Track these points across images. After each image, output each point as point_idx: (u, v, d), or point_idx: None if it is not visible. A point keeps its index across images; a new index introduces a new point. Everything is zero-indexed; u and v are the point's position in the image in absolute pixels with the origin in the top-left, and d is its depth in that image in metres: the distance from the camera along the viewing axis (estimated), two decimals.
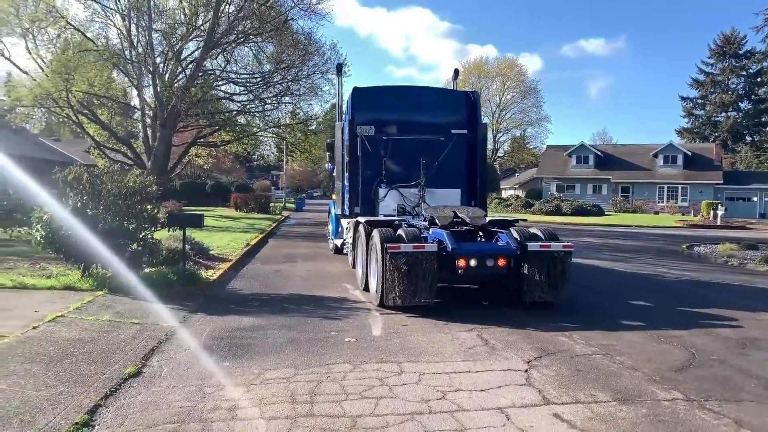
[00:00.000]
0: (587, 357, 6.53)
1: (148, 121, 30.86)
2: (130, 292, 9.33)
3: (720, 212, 39.64)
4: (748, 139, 75.19)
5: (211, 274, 11.83)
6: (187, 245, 11.85)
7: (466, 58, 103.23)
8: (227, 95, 33.45)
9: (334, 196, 15.08)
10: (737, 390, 5.53)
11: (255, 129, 35.65)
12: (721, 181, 51.68)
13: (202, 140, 36.22)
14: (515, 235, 8.97)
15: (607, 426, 4.61)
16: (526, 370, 5.98)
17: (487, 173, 12.99)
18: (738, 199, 51.87)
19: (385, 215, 11.44)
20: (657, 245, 22.34)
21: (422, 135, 11.99)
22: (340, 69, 14.41)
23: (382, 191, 11.98)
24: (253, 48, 31.76)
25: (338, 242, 14.68)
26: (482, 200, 12.29)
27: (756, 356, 6.74)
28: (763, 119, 74.30)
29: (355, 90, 12.22)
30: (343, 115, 13.21)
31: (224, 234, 20.79)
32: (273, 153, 51.56)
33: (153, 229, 10.89)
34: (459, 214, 9.77)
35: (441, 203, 11.02)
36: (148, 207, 10.80)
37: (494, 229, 9.62)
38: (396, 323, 7.94)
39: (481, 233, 9.61)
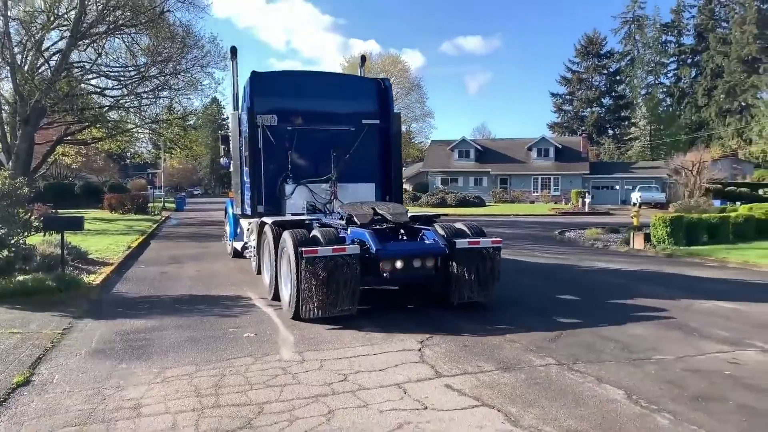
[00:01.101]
0: (473, 334, 7.11)
1: (5, 117, 28.24)
2: (5, 301, 8.80)
3: (587, 200, 43.52)
4: (611, 132, 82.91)
5: (94, 278, 11.28)
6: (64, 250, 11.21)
7: (350, 53, 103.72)
8: (99, 89, 31.41)
9: (231, 194, 14.01)
10: (599, 353, 6.33)
11: (130, 125, 33.79)
12: (588, 172, 56.53)
13: (69, 138, 33.73)
14: (441, 231, 8.29)
15: (492, 391, 5.14)
16: (420, 350, 6.43)
17: (401, 166, 12.26)
18: (603, 187, 56.91)
19: (293, 214, 10.47)
20: (533, 232, 24.09)
21: (331, 125, 11.20)
22: (234, 52, 12.56)
23: (288, 188, 10.87)
24: (126, 40, 30.07)
25: (238, 245, 13.53)
26: (398, 195, 11.53)
27: (613, 323, 7.68)
28: (623, 114, 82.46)
29: (254, 75, 11.05)
30: (240, 104, 11.94)
31: (102, 237, 19.67)
32: (149, 150, 49.03)
33: (26, 234, 10.23)
34: (379, 211, 8.84)
35: (354, 199, 10.20)
36: (20, 210, 10.13)
37: (417, 226, 8.88)
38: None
39: (402, 231, 8.69)
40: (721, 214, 18.74)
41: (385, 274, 7.82)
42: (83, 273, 11.69)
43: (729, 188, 47.29)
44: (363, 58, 15.13)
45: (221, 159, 15.87)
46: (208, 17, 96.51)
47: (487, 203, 50.03)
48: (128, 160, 68.74)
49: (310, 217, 9.69)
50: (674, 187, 47.80)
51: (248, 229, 11.76)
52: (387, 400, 4.93)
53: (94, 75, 30.37)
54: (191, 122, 38.80)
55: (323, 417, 4.58)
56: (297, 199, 10.86)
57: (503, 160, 59.97)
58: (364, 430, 4.34)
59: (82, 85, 30.01)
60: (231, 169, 13.37)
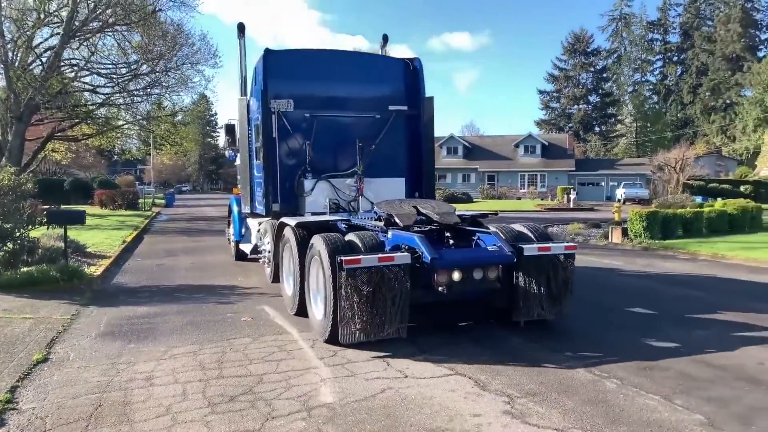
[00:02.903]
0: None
1: None
2: (12, 290, 9.30)
3: (573, 196, 44.44)
4: (597, 129, 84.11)
5: (94, 270, 11.81)
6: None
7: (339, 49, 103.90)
8: (91, 87, 31.76)
9: (236, 191, 12.81)
10: (572, 335, 6.97)
11: (122, 122, 34.18)
12: (574, 168, 57.53)
13: (60, 134, 34.05)
14: (502, 235, 6.99)
15: (464, 359, 5.84)
16: (412, 330, 7.00)
17: (433, 159, 10.91)
18: (588, 184, 57.88)
19: (313, 213, 9.25)
20: None
21: (354, 112, 10.09)
22: (242, 29, 10.97)
23: (308, 183, 9.55)
24: (117, 38, 30.44)
25: (245, 248, 12.16)
26: (429, 192, 10.35)
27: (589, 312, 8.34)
28: (609, 111, 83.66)
29: (268, 53, 9.68)
30: (250, 88, 10.61)
31: (96, 232, 20.12)
32: (138, 147, 49.25)
33: (30, 227, 10.74)
34: (422, 210, 7.52)
35: (380, 196, 9.04)
36: (24, 205, 10.63)
37: (470, 228, 7.53)
38: None
39: (448, 234, 7.33)
40: (695, 210, 19.51)
41: (440, 288, 6.35)
42: (83, 265, 12.18)
43: (711, 185, 48.40)
44: (385, 38, 12.86)
45: (226, 152, 14.29)
46: (197, 14, 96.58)
47: (474, 199, 50.81)
48: (116, 156, 68.83)
49: (338, 218, 8.42)
50: (658, 184, 48.81)
51: (259, 231, 10.82)
52: (372, 370, 5.56)
53: (87, 72, 30.72)
54: (180, 118, 39.19)
55: (315, 384, 5.20)
56: (318, 196, 9.58)
57: (491, 156, 60.84)
58: (352, 393, 4.96)
59: (75, 83, 30.36)
60: (237, 162, 12.16)
